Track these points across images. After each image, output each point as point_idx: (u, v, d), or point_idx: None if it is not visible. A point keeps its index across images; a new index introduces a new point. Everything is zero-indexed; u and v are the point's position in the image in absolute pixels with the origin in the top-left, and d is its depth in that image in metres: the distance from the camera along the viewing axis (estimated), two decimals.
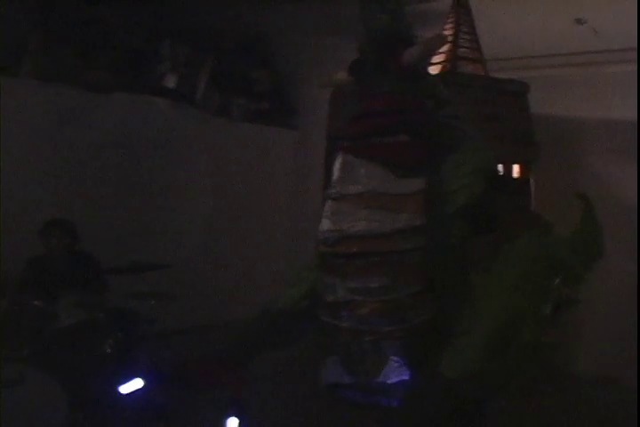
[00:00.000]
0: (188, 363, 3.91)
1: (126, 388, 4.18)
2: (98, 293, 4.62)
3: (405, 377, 3.26)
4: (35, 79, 6.11)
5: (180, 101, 7.03)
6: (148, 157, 6.64)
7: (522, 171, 5.76)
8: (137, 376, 4.23)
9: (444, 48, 5.60)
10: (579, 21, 5.85)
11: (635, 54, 5.71)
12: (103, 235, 5.68)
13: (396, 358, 3.29)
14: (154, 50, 7.25)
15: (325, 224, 3.42)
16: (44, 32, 6.32)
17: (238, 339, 3.94)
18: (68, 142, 6.06)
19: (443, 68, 5.68)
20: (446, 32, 5.74)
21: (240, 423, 3.64)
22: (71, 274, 4.66)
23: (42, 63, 6.31)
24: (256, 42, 8.23)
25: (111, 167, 6.31)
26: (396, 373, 3.28)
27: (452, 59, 5.68)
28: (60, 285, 4.48)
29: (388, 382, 3.28)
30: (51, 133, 6.00)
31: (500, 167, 5.43)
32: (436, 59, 5.63)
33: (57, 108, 6.07)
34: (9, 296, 4.42)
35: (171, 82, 7.15)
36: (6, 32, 6.09)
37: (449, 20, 5.82)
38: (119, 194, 6.34)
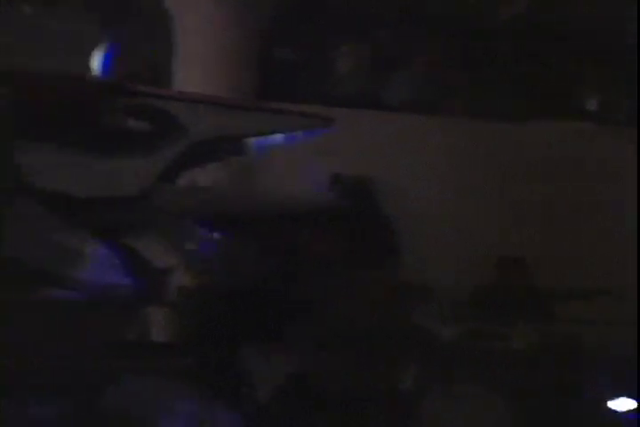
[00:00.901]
0: None
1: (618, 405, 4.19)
2: (548, 319, 4.72)
3: None
4: (458, 115, 6.46)
5: (604, 124, 6.86)
6: (574, 183, 6.58)
7: None
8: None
9: None
10: None
11: None
12: (545, 263, 5.75)
13: None
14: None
15: None
16: (471, 70, 6.71)
17: None
18: (494, 175, 6.30)
19: None
20: None
21: None
22: (524, 302, 4.83)
23: (464, 99, 6.74)
24: None
25: (540, 195, 6.38)
26: None
27: None
28: (512, 311, 4.66)
29: None
30: (478, 168, 6.28)
31: None
32: None
33: (480, 142, 6.34)
34: (459, 319, 4.73)
35: (592, 105, 7.02)
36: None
37: None
38: (553, 220, 6.39)
